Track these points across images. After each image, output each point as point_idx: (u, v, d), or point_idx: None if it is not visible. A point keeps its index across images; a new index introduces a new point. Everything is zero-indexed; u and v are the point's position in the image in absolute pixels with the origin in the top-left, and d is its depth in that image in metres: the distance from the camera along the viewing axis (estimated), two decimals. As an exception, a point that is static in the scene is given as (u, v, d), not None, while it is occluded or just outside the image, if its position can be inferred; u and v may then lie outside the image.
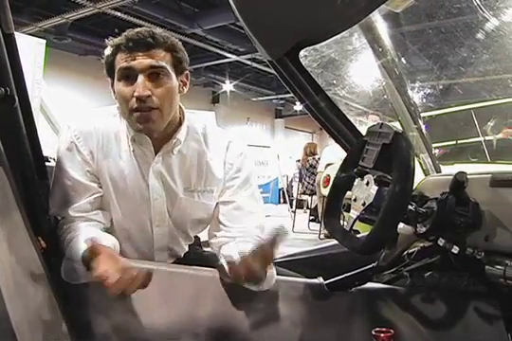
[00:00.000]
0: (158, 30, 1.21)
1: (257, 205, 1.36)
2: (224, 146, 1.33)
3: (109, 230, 1.28)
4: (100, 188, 1.26)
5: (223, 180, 1.32)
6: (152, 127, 1.20)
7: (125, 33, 1.19)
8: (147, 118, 1.18)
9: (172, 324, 1.14)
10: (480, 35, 1.58)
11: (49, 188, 1.25)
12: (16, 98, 1.08)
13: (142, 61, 1.16)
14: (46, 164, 1.28)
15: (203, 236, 1.58)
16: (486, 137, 3.12)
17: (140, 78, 1.16)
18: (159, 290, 1.20)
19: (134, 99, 1.16)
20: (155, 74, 1.17)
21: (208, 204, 1.33)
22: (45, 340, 0.94)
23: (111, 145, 1.26)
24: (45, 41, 4.19)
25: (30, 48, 3.87)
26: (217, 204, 1.34)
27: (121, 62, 1.17)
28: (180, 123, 1.29)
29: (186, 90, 1.27)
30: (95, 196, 1.25)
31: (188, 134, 1.29)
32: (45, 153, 1.27)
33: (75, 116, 1.34)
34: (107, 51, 1.21)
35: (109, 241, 1.17)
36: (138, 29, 1.19)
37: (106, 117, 1.29)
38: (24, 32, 6.71)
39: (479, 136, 3.13)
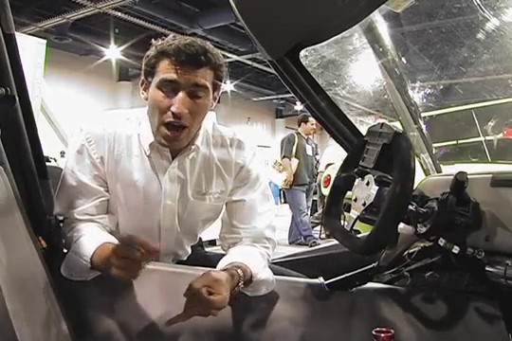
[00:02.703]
0: (210, 46, 1.18)
1: (267, 203, 1.36)
2: (232, 146, 1.32)
3: (113, 234, 1.28)
4: (107, 191, 1.26)
5: (233, 180, 1.32)
6: (176, 145, 1.21)
7: (176, 41, 1.15)
8: (174, 138, 1.17)
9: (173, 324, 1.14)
10: (480, 35, 1.58)
11: (49, 187, 1.25)
12: (17, 98, 1.08)
13: (189, 77, 1.14)
14: (47, 164, 1.28)
15: (203, 234, 1.59)
16: (487, 137, 3.11)
17: (182, 94, 1.14)
18: (160, 290, 1.20)
19: (169, 113, 1.14)
20: (195, 91, 1.16)
21: (218, 205, 1.34)
22: (45, 339, 0.94)
23: (122, 149, 1.25)
24: (45, 41, 4.18)
25: (31, 48, 3.87)
26: (227, 203, 1.35)
27: (166, 71, 1.14)
28: (198, 129, 1.27)
29: (215, 105, 1.27)
30: (101, 200, 1.24)
31: (202, 139, 1.29)
32: (45, 153, 1.27)
33: (88, 118, 1.32)
34: (150, 52, 1.18)
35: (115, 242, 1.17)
36: (191, 41, 1.15)
37: (119, 121, 1.28)
38: (24, 32, 6.71)
39: (479, 136, 3.13)
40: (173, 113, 1.14)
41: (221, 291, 1.04)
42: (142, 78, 1.23)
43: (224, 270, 1.14)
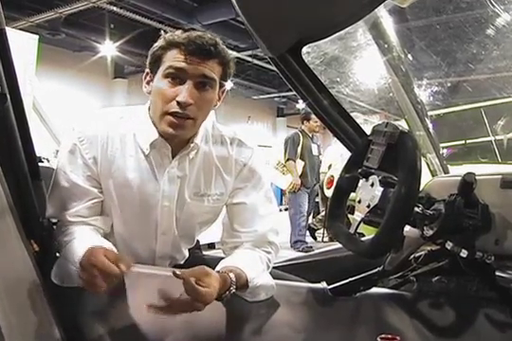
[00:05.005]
0: (220, 40, 1.21)
1: (270, 206, 1.36)
2: (233, 146, 1.32)
3: (108, 237, 1.28)
4: (101, 193, 1.26)
5: (233, 181, 1.32)
6: (181, 134, 1.20)
7: (187, 33, 1.18)
8: (180, 126, 1.17)
9: (169, 329, 1.14)
10: (490, 30, 1.59)
11: (42, 189, 1.25)
12: (8, 96, 1.08)
13: (198, 67, 1.15)
14: (39, 164, 1.28)
15: (202, 237, 1.59)
16: (497, 137, 3.12)
17: (189, 83, 1.15)
18: (156, 295, 1.20)
19: (174, 103, 1.15)
20: (202, 83, 1.17)
21: (217, 206, 1.34)
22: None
23: (116, 149, 1.25)
24: (37, 36, 4.19)
25: (22, 44, 3.87)
26: (228, 205, 1.35)
27: (174, 60, 1.16)
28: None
29: (219, 104, 1.28)
30: (94, 201, 1.24)
31: (202, 138, 1.29)
32: (38, 154, 1.27)
33: (80, 117, 1.32)
34: (158, 43, 1.20)
35: (105, 246, 1.17)
36: (201, 34, 1.18)
37: (112, 120, 1.28)
38: (15, 27, 6.71)
39: (489, 136, 3.14)
40: (178, 102, 1.15)
41: (209, 285, 1.04)
42: (147, 70, 1.24)
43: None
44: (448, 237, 1.08)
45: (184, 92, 1.15)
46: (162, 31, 1.23)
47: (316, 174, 5.69)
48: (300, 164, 5.47)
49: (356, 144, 1.31)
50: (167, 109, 1.17)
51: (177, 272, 1.02)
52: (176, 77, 1.16)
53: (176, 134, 1.19)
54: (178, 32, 1.19)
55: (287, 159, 5.47)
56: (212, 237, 1.42)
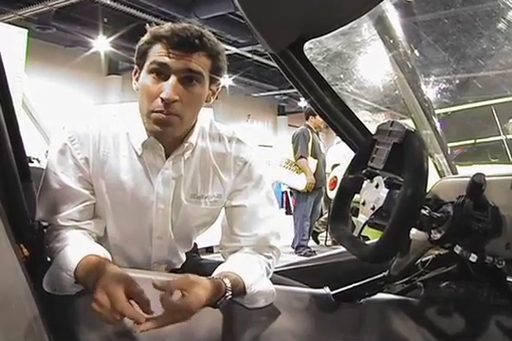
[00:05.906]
0: (207, 32, 1.19)
1: (271, 208, 1.36)
2: (231, 145, 1.32)
3: (101, 240, 1.28)
4: (93, 195, 1.26)
5: (232, 181, 1.32)
6: (169, 131, 1.19)
7: (171, 25, 1.17)
8: (167, 122, 1.16)
9: (167, 337, 1.14)
10: (501, 24, 1.59)
11: (32, 190, 1.25)
12: (-4, 93, 1.08)
13: (181, 61, 1.14)
14: (30, 165, 1.29)
15: (200, 241, 1.60)
16: (508, 136, 3.12)
17: (173, 79, 1.14)
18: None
19: (158, 100, 1.15)
20: (188, 78, 1.16)
21: (215, 209, 1.34)
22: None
23: (109, 149, 1.25)
24: (26, 30, 4.19)
25: (10, 39, 3.88)
26: (227, 208, 1.35)
27: (158, 55, 1.15)
28: (193, 125, 1.27)
29: (213, 100, 1.27)
30: (86, 204, 1.24)
31: (198, 137, 1.29)
32: (28, 154, 1.27)
33: (71, 115, 1.32)
34: (144, 37, 1.19)
35: (100, 253, 1.17)
36: (187, 25, 1.17)
37: (105, 118, 1.28)
38: (3, 21, 6.72)
39: (499, 135, 3.14)
40: (162, 99, 1.14)
41: (191, 293, 1.02)
42: (135, 66, 1.23)
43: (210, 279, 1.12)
44: (457, 240, 1.08)
45: (168, 88, 1.14)
46: (147, 24, 1.22)
47: (325, 174, 5.57)
48: (312, 162, 5.31)
49: (361, 144, 1.31)
50: (152, 107, 1.16)
51: (156, 283, 1.02)
52: (160, 72, 1.16)
53: (163, 131, 1.18)
54: (166, 25, 1.18)
55: (300, 156, 5.27)
56: (211, 241, 1.42)
